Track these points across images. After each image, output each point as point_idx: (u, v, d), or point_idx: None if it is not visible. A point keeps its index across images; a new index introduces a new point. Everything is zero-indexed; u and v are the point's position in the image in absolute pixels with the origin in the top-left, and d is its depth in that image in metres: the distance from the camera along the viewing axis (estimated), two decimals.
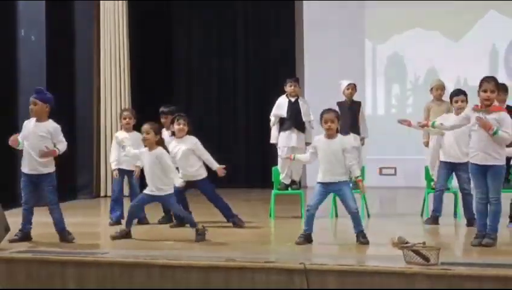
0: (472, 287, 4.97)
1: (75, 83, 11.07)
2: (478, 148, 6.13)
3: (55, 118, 6.79)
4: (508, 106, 8.18)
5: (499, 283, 4.92)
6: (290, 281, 5.26)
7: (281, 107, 8.64)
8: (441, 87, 8.44)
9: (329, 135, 6.52)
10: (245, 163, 12.36)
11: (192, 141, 7.67)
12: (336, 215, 8.40)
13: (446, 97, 8.48)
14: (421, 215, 8.17)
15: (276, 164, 8.63)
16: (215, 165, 7.63)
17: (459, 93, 7.52)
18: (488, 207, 6.19)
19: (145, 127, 6.98)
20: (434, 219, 7.62)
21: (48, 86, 10.09)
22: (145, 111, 11.53)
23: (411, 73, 12.22)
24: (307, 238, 6.57)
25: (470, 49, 11.78)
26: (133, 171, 7.80)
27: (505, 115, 6.13)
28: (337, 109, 8.50)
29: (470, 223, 7.37)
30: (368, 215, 8.25)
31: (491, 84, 6.09)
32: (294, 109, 8.58)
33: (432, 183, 8.33)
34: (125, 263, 5.67)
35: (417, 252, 5.30)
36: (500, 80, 9.01)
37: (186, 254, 5.90)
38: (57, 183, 6.73)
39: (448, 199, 8.33)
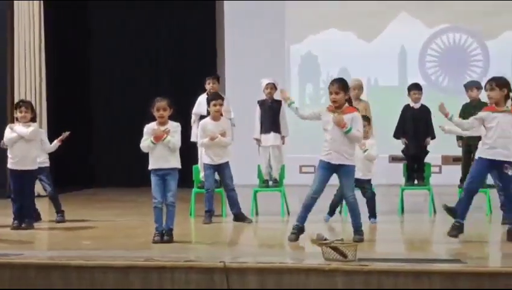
0: (388, 282, 5.08)
1: None
2: (331, 147, 6.36)
3: None
4: (422, 105, 8.47)
5: (413, 277, 5.06)
6: (210, 280, 5.24)
7: (201, 105, 8.62)
8: (359, 87, 8.62)
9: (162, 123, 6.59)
10: None
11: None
12: (257, 213, 8.44)
13: (364, 96, 8.69)
14: (340, 212, 8.29)
15: (197, 163, 8.59)
16: None
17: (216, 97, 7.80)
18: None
19: None
20: None
21: None
22: (63, 112, 11.38)
23: (324, 73, 12.44)
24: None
25: (381, 50, 12.07)
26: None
27: (357, 115, 6.41)
28: (258, 107, 8.63)
29: None
30: (288, 213, 8.32)
31: (335, 86, 6.36)
32: None
33: None
34: (41, 264, 5.52)
35: (335, 249, 5.38)
36: (415, 80, 9.35)
37: (104, 254, 5.79)
38: None
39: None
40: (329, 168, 6.40)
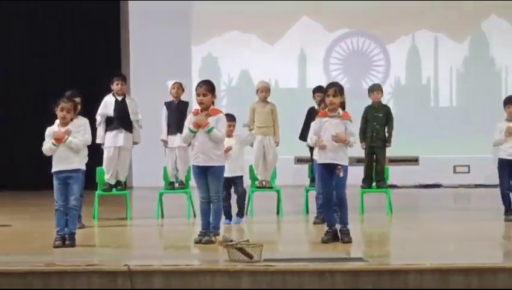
0: (293, 281, 5.14)
1: None
2: (198, 150, 6.46)
3: None
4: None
5: (317, 276, 5.14)
6: (113, 284, 5.15)
7: (107, 106, 8.45)
8: (266, 89, 8.70)
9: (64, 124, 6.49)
10: None
11: None
12: (162, 216, 8.36)
13: (270, 99, 8.77)
14: (246, 213, 8.33)
15: (101, 164, 8.42)
16: None
17: None
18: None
19: None
20: None
21: None
22: None
23: (225, 74, 12.50)
24: None
25: (283, 53, 12.25)
26: None
27: (222, 116, 6.54)
28: (164, 108, 8.55)
29: None
30: (194, 215, 8.28)
31: (203, 88, 6.48)
32: (121, 108, 8.43)
33: (257, 182, 8.55)
34: None
35: (241, 250, 5.40)
36: (317, 82, 9.50)
37: (1, 260, 5.57)
38: None
39: (271, 196, 8.61)
40: (200, 172, 6.48)
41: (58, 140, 6.38)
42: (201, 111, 6.48)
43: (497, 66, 12.52)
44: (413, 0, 12.08)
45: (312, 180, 8.69)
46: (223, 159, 6.62)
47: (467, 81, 12.52)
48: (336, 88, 6.42)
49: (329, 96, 6.39)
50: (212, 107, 6.52)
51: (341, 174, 6.35)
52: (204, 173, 6.46)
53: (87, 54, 12.18)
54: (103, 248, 6.68)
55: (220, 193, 6.57)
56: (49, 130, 6.50)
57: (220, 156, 6.51)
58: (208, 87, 6.49)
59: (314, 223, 7.66)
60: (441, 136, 12.18)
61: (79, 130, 6.52)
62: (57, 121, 6.56)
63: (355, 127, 6.83)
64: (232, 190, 7.89)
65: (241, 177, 7.91)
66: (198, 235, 6.50)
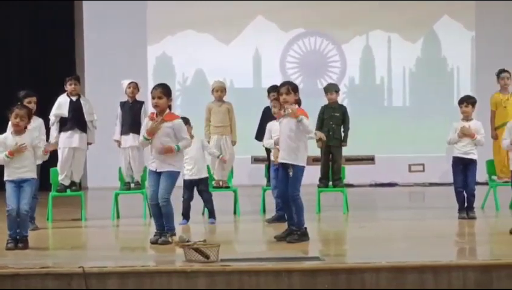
0: (250, 281, 5.15)
1: None
2: (154, 156, 6.44)
3: None
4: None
5: (274, 276, 5.16)
6: (67, 286, 5.08)
7: (61, 106, 8.32)
8: (221, 89, 8.70)
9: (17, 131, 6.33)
10: None
11: None
12: (118, 217, 8.28)
13: (226, 98, 8.76)
14: (202, 214, 8.31)
15: (55, 165, 8.30)
16: None
17: None
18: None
19: None
20: None
21: None
22: None
23: (179, 74, 12.44)
24: None
25: (238, 52, 12.24)
26: None
27: (179, 122, 6.49)
28: (118, 108, 8.47)
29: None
30: (150, 215, 8.20)
31: (158, 91, 6.40)
32: (76, 108, 8.32)
33: (213, 182, 8.53)
34: None
35: (198, 250, 5.39)
36: (271, 82, 9.51)
37: None
38: None
39: (228, 196, 8.60)
40: (154, 174, 6.44)
41: (13, 154, 6.22)
42: (157, 115, 6.41)
43: (449, 66, 12.72)
44: (367, 1, 12.21)
45: (269, 180, 8.72)
46: (180, 165, 6.58)
47: (419, 81, 12.69)
48: (289, 86, 6.44)
49: (282, 94, 6.41)
50: (168, 111, 6.43)
51: (290, 174, 6.34)
52: (158, 176, 6.42)
53: (41, 54, 11.97)
54: (57, 250, 6.59)
55: (169, 196, 6.43)
56: (2, 138, 6.31)
57: (177, 162, 6.46)
58: (163, 90, 6.40)
59: (269, 221, 7.68)
60: (396, 136, 12.34)
61: (39, 136, 6.33)
62: (10, 128, 6.40)
63: (312, 125, 6.83)
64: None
65: (207, 179, 7.91)
66: (154, 236, 6.45)
